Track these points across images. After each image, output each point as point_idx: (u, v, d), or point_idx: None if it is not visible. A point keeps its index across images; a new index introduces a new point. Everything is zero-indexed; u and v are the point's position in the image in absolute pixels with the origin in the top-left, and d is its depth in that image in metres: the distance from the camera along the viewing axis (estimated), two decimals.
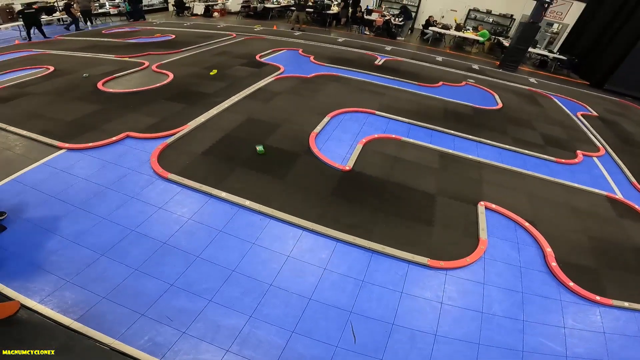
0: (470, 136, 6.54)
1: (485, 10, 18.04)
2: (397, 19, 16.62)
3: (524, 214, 4.55)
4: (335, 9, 17.75)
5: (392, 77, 9.54)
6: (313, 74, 8.90)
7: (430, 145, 5.98)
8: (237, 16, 18.13)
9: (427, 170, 5.30)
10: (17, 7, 12.09)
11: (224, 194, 4.23)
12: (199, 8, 17.84)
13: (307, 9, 16.71)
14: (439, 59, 13.07)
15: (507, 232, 4.27)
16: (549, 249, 4.00)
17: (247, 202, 4.13)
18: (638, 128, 8.86)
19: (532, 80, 12.27)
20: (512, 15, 17.60)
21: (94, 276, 3.12)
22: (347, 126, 6.33)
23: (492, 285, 3.54)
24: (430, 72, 10.79)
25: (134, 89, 6.97)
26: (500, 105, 8.61)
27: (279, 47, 11.57)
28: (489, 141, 6.46)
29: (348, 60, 10.82)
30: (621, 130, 8.45)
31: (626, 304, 3.48)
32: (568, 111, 9.15)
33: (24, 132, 5.08)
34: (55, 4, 14.23)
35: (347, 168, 5.03)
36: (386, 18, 16.21)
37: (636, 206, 5.15)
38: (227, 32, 13.36)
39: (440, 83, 9.67)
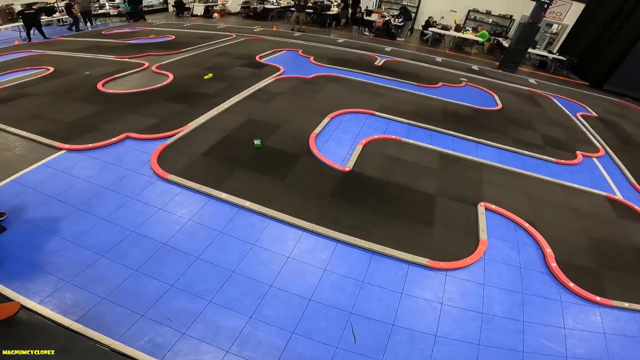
0: (470, 137, 6.54)
1: (484, 11, 18.05)
2: (396, 19, 16.63)
3: (524, 215, 4.55)
4: (335, 10, 17.76)
5: (392, 78, 9.54)
6: (313, 75, 8.91)
7: (430, 146, 5.98)
8: (236, 17, 18.15)
9: (427, 171, 5.30)
10: (17, 8, 12.11)
11: (223, 195, 4.23)
12: (198, 9, 17.87)
13: (307, 10, 16.72)
14: (439, 59, 13.08)
15: (507, 232, 4.27)
16: (549, 250, 4.00)
17: (247, 203, 4.13)
18: (638, 129, 8.86)
19: (532, 80, 12.28)
20: (511, 16, 17.61)
21: (94, 277, 3.12)
22: (347, 127, 6.33)
23: (492, 286, 3.54)
24: (430, 73, 10.80)
25: (134, 90, 6.97)
26: (500, 106, 8.61)
27: (278, 47, 11.58)
28: (488, 142, 6.46)
29: (348, 61, 10.83)
30: (621, 130, 8.45)
31: (626, 305, 3.48)
32: (568, 112, 9.15)
33: (24, 133, 5.09)
34: (55, 5, 14.24)
35: (347, 169, 5.03)
36: (386, 19, 16.23)
37: (636, 207, 5.15)
38: (227, 33, 13.37)
39: (440, 84, 9.67)
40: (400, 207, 4.45)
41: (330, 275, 3.42)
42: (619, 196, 5.42)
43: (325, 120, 6.35)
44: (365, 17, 16.54)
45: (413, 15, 18.42)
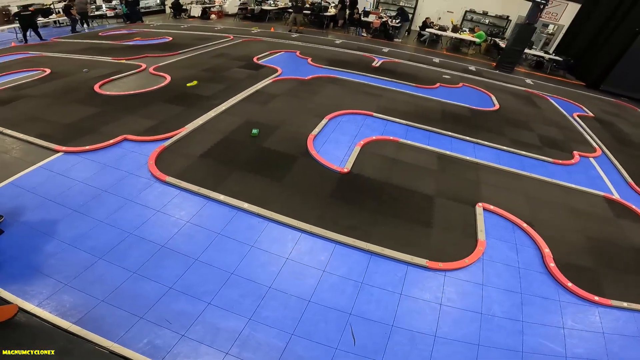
0: (467, 137, 6.56)
1: (481, 12, 18.12)
2: (394, 20, 16.67)
3: (522, 215, 4.57)
4: (332, 11, 17.79)
5: (389, 79, 9.56)
6: (311, 76, 8.91)
7: (428, 147, 6.00)
8: (234, 18, 18.14)
9: (425, 171, 5.31)
10: (14, 10, 12.07)
11: (222, 197, 4.22)
12: (196, 10, 17.86)
13: (304, 11, 16.73)
14: (436, 60, 13.12)
15: (506, 233, 4.29)
16: (547, 250, 4.02)
17: (246, 205, 4.13)
18: (634, 128, 8.91)
19: (529, 81, 12.33)
20: (508, 17, 17.68)
21: (92, 279, 3.11)
22: (345, 128, 6.34)
23: (491, 286, 3.55)
24: (428, 74, 10.82)
25: (131, 92, 6.96)
26: (497, 106, 8.64)
27: (276, 49, 11.58)
28: (486, 142, 6.48)
29: (346, 62, 10.85)
30: (617, 130, 8.50)
31: (625, 304, 3.50)
32: (564, 112, 9.19)
33: (21, 135, 5.07)
34: (52, 7, 14.21)
35: (345, 170, 5.03)
36: (383, 20, 16.27)
37: (633, 206, 5.18)
38: (225, 35, 13.37)
39: (438, 84, 9.70)
40: (398, 208, 4.45)
41: (329, 277, 3.42)
42: (616, 196, 5.45)
43: (323, 122, 6.35)
44: (362, 18, 16.57)
45: (410, 16, 18.45)
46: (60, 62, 8.58)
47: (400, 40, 16.46)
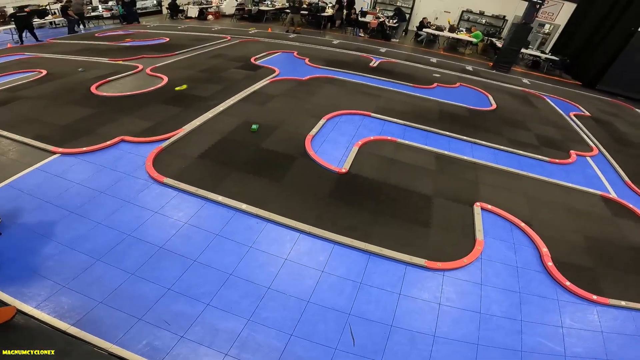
0: (465, 137, 6.57)
1: (478, 12, 18.17)
2: (391, 20, 16.70)
3: (520, 215, 4.58)
4: (329, 11, 17.81)
5: (387, 79, 9.57)
6: (308, 77, 8.91)
7: (426, 147, 6.00)
8: (231, 19, 18.12)
9: (423, 171, 5.32)
10: (9, 11, 12.02)
11: (220, 198, 4.21)
12: (193, 11, 17.82)
13: (301, 12, 16.73)
14: (433, 60, 13.14)
15: (504, 232, 4.30)
16: (545, 249, 4.03)
17: (244, 206, 4.12)
18: (630, 128, 8.96)
19: (525, 81, 12.38)
20: (504, 17, 17.75)
21: (90, 281, 3.10)
22: (342, 128, 6.34)
23: (489, 285, 3.55)
24: (425, 74, 10.85)
25: (128, 93, 6.93)
26: (494, 106, 8.66)
27: (274, 49, 11.57)
28: (484, 142, 6.50)
29: (343, 62, 10.85)
30: (614, 130, 8.54)
31: (623, 303, 3.51)
32: (561, 111, 9.23)
33: (17, 137, 5.04)
34: (48, 8, 14.15)
35: (344, 170, 5.03)
36: (380, 20, 16.29)
37: (630, 205, 5.20)
38: (222, 35, 13.34)
39: (435, 84, 9.72)
40: (396, 208, 4.46)
41: (328, 277, 3.41)
42: (613, 195, 5.47)
43: (321, 122, 6.35)
44: (360, 19, 16.59)
45: (407, 16, 18.51)
46: (57, 63, 8.55)
47: (397, 40, 16.49)
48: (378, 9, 19.34)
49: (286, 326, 2.92)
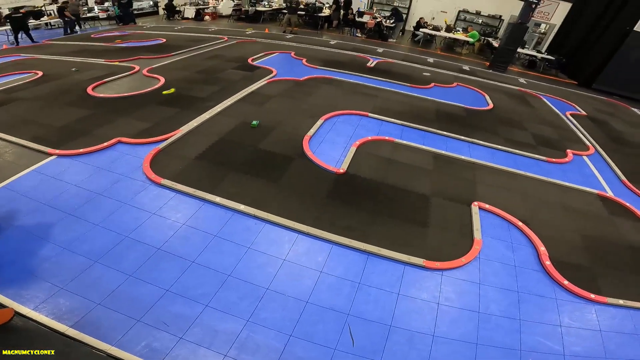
0: (462, 137, 6.59)
1: (474, 12, 18.24)
2: (388, 20, 16.73)
3: (517, 214, 4.59)
4: (326, 12, 17.81)
5: (384, 79, 9.58)
6: (306, 77, 8.91)
7: (424, 147, 6.01)
8: (228, 20, 18.10)
9: (420, 171, 5.33)
10: (5, 12, 11.96)
11: (218, 199, 4.20)
12: (189, 12, 17.79)
13: (298, 12, 16.74)
14: (430, 60, 13.17)
15: (501, 231, 4.31)
16: (542, 248, 4.04)
17: (242, 207, 4.11)
18: (626, 126, 9.00)
19: (522, 80, 12.42)
20: (500, 16, 17.83)
21: (89, 283, 3.09)
22: (340, 129, 6.34)
23: (488, 285, 3.56)
24: (422, 74, 10.86)
25: (125, 94, 6.91)
26: (491, 105, 8.69)
27: (271, 50, 11.57)
28: (481, 142, 6.51)
29: (340, 62, 10.86)
30: (610, 129, 8.58)
31: (621, 302, 3.52)
32: (557, 111, 9.27)
33: (13, 139, 5.01)
34: (43, 9, 14.09)
35: (342, 171, 5.03)
36: (377, 20, 16.31)
37: (627, 203, 5.23)
38: (219, 36, 13.32)
39: (432, 84, 9.74)
40: (394, 208, 4.46)
41: (326, 277, 3.41)
42: (609, 193, 5.50)
43: (319, 122, 6.35)
44: (357, 19, 16.60)
45: (404, 16, 18.55)
46: (53, 65, 8.51)
47: (394, 40, 16.51)
48: (375, 9, 19.38)
49: (285, 327, 2.92)
